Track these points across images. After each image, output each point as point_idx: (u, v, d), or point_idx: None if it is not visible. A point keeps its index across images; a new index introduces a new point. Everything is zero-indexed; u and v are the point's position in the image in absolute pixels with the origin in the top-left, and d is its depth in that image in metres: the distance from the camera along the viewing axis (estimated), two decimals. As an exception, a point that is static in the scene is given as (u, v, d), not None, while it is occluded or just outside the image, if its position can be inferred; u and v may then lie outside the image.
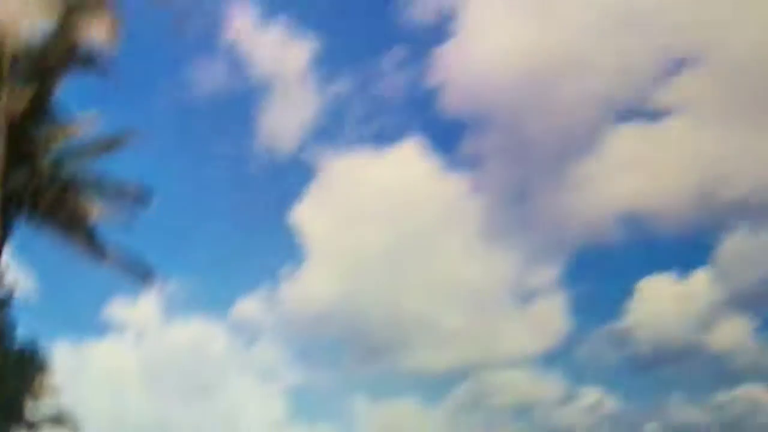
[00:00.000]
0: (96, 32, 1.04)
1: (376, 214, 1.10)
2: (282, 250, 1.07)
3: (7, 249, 1.07)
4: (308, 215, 1.09)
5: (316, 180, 1.07)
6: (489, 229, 0.93)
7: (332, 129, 1.10)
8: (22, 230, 1.09)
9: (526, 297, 0.86)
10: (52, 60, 1.08)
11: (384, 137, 1.04)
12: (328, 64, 1.10)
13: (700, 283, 0.85)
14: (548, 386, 0.84)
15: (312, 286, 1.05)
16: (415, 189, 1.01)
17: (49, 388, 1.13)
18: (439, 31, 0.95)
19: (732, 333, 0.93)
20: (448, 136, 1.01)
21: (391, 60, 1.02)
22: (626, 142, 0.89)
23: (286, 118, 1.09)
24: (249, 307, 1.13)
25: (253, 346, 1.12)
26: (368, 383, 1.01)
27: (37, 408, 1.16)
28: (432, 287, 0.98)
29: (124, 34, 1.04)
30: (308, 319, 1.07)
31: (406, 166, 1.00)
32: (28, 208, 1.09)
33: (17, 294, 1.11)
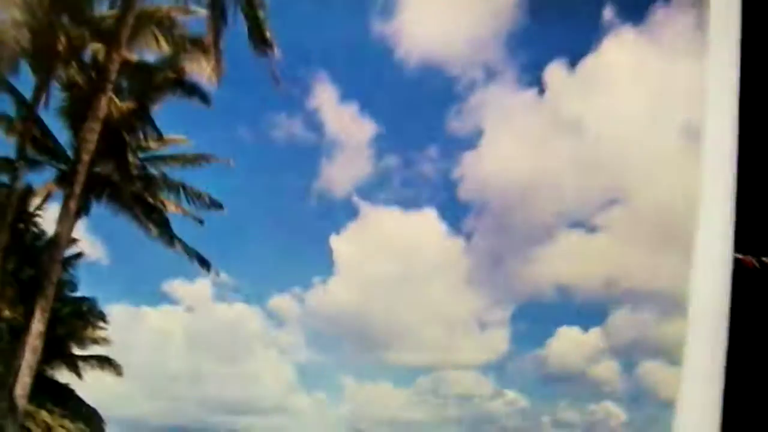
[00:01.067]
0: (201, 69, 1.19)
1: (395, 253, 1.48)
2: (319, 265, 1.46)
3: (84, 223, 1.28)
4: (344, 244, 1.43)
5: (357, 221, 1.46)
6: (469, 278, 1.41)
7: (378, 187, 1.51)
8: (102, 211, 1.31)
9: (483, 326, 1.40)
10: (156, 83, 1.25)
11: (414, 203, 1.47)
12: (383, 142, 1.49)
13: (596, 336, 1.38)
14: (484, 386, 1.39)
15: (333, 294, 1.45)
16: (426, 243, 1.45)
17: (98, 338, 1.37)
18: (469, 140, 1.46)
19: (607, 370, 1.39)
20: (457, 213, 1.46)
21: (432, 152, 1.49)
22: (568, 241, 1.37)
23: (344, 171, 1.51)
24: (282, 301, 1.49)
25: (279, 329, 1.50)
26: (358, 368, 1.47)
27: (85, 352, 1.39)
28: (422, 309, 1.40)
29: (225, 74, 1.18)
30: (325, 316, 1.48)
31: (423, 226, 1.44)
32: (110, 195, 1.32)
33: (87, 258, 1.35)
